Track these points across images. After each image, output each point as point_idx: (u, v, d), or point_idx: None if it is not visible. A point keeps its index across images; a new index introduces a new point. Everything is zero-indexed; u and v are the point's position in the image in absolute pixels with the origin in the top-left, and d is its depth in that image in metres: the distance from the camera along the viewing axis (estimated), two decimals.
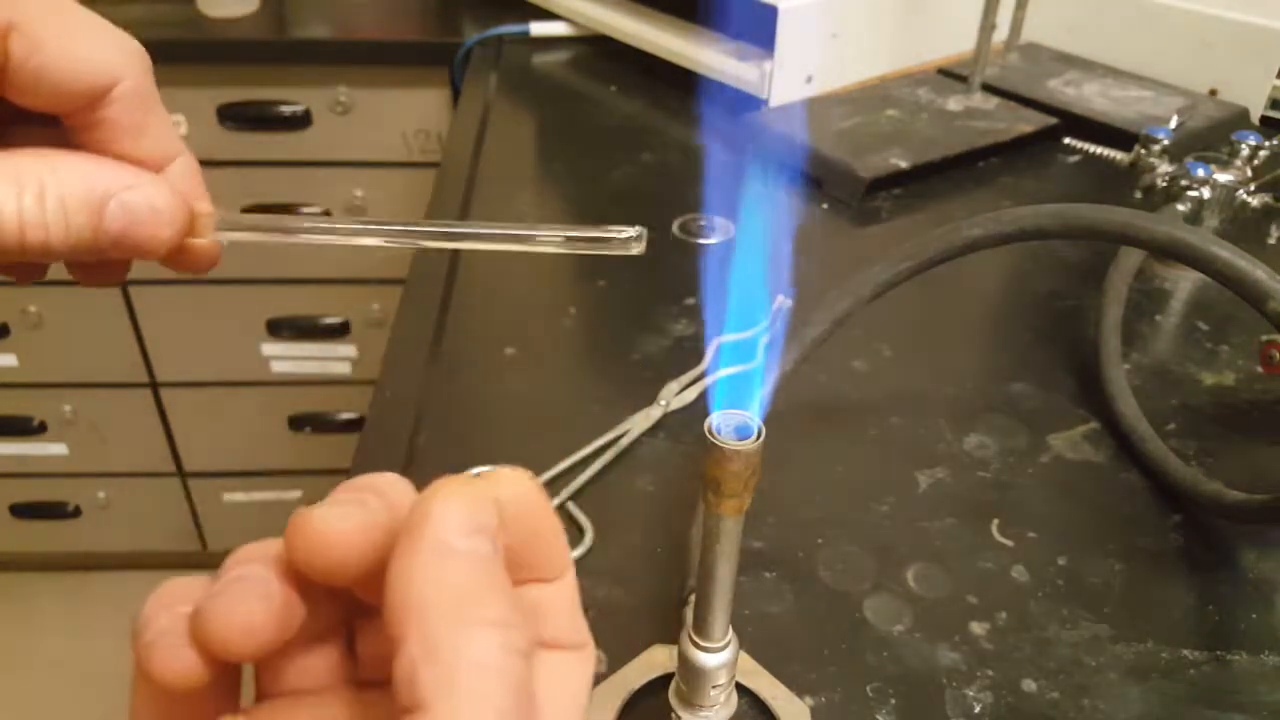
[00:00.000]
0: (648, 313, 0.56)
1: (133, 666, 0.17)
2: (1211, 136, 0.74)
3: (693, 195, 0.67)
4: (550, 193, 0.70)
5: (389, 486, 0.18)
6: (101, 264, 0.26)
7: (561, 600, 0.19)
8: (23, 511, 1.38)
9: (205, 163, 0.28)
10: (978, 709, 0.35)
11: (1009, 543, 0.42)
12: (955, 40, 0.85)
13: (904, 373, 0.52)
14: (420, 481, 0.17)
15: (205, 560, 1.44)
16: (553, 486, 0.43)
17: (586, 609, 0.40)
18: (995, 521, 0.43)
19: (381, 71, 1.05)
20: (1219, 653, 0.37)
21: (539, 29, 0.94)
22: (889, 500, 0.44)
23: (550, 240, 0.26)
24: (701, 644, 0.30)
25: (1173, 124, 0.66)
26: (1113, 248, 0.57)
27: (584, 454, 0.45)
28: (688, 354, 0.52)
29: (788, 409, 0.48)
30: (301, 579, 0.17)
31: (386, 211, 1.13)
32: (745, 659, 0.35)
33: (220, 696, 0.18)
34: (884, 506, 0.44)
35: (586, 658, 0.20)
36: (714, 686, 0.31)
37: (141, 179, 0.24)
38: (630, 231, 0.25)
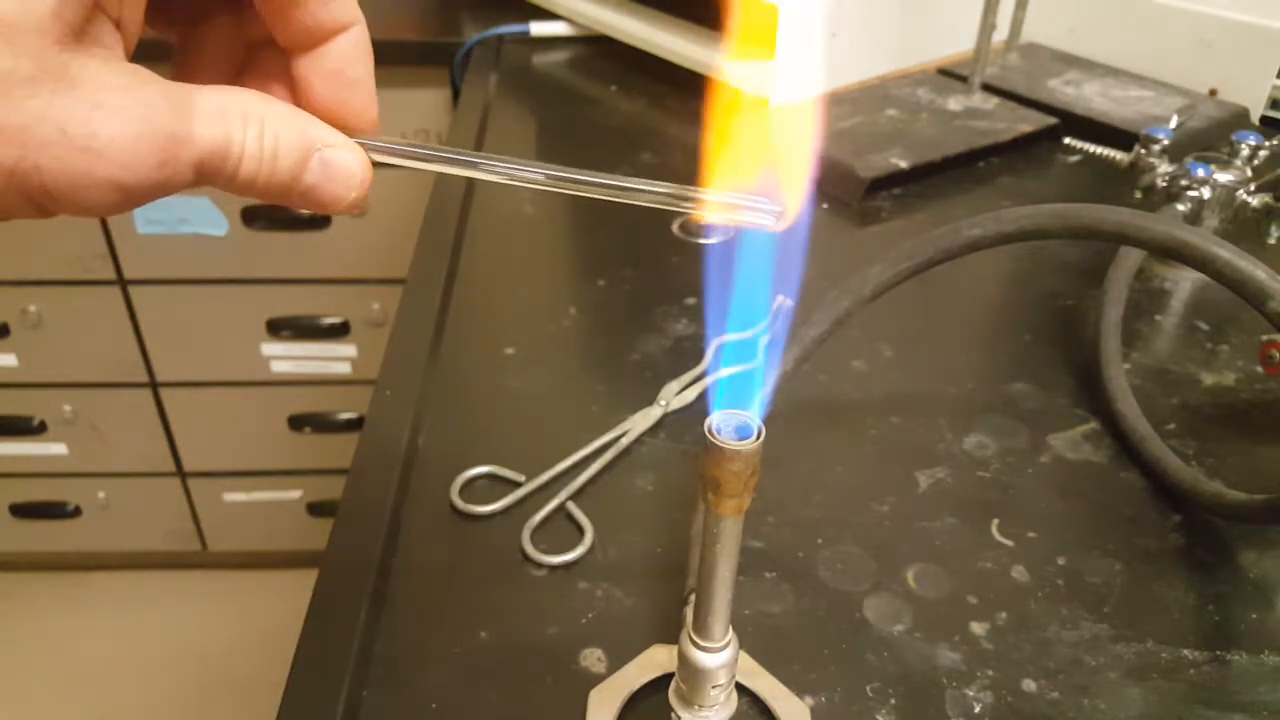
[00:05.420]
0: (648, 313, 0.56)
1: None
2: (1211, 136, 0.74)
3: None
4: (551, 192, 0.71)
5: None
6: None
7: None
8: (23, 511, 1.38)
9: None
10: (978, 709, 0.35)
11: (1009, 543, 0.42)
12: (955, 40, 0.85)
13: (904, 373, 0.52)
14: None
15: (205, 560, 1.44)
16: (553, 487, 0.44)
17: (587, 609, 0.40)
18: (995, 521, 0.43)
19: (381, 71, 1.03)
20: (1219, 653, 0.37)
21: (539, 29, 0.94)
22: (889, 500, 0.44)
23: (698, 203, 0.26)
24: (701, 644, 0.30)
25: (1173, 124, 0.66)
26: (1113, 248, 0.57)
27: (584, 454, 0.45)
28: (688, 354, 0.52)
29: (788, 409, 0.48)
30: None
31: (386, 210, 1.13)
32: (745, 659, 0.35)
33: None
34: (884, 506, 0.44)
35: None
36: (714, 686, 0.31)
37: (344, 141, 0.26)
38: (771, 206, 0.26)
